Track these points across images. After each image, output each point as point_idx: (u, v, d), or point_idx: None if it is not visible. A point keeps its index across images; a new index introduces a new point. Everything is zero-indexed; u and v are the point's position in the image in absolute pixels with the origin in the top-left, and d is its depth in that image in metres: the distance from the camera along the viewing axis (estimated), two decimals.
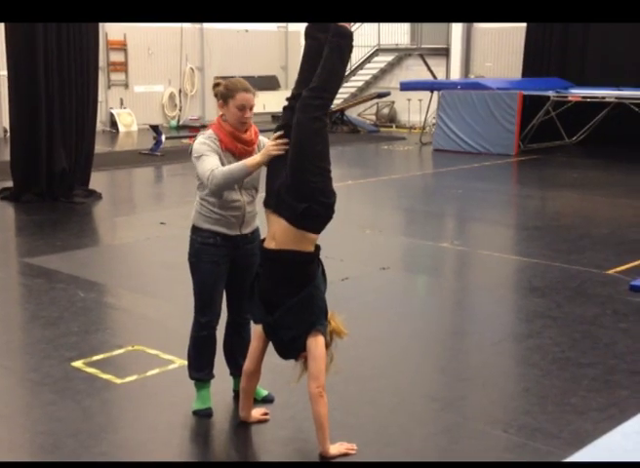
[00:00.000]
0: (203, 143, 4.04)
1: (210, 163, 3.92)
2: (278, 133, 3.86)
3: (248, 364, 4.04)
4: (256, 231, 4.28)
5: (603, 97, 15.27)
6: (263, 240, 3.92)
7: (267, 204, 3.86)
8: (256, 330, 4.00)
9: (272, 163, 3.89)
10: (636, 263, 7.34)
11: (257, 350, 4.00)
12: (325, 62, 3.79)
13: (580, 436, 4.04)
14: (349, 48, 3.87)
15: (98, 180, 11.30)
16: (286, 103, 3.92)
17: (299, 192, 3.74)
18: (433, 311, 6.36)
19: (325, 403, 3.77)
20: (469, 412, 4.39)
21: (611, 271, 7.09)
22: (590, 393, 4.61)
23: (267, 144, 3.92)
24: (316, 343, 3.81)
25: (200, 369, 4.30)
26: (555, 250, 7.98)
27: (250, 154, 4.11)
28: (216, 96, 4.12)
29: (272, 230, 3.84)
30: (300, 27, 23.53)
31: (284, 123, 3.85)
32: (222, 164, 4.00)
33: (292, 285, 3.80)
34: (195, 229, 4.18)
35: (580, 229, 9.00)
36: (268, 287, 3.86)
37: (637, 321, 5.87)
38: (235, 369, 4.42)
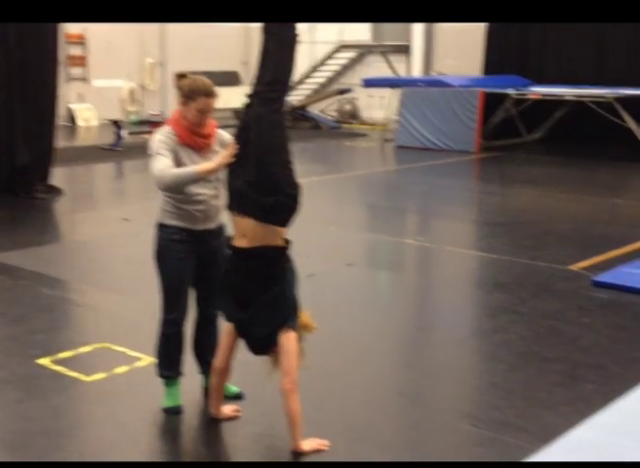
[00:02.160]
0: (159, 141, 4.03)
1: (162, 162, 3.93)
2: (234, 142, 3.88)
3: (218, 361, 4.03)
4: (221, 226, 4.26)
5: (562, 96, 15.48)
6: (230, 238, 3.90)
7: (231, 206, 3.86)
8: (225, 326, 3.99)
9: (231, 164, 3.89)
10: (599, 259, 7.46)
11: (227, 347, 3.99)
12: (275, 56, 3.83)
13: (549, 430, 4.08)
14: (294, 39, 3.89)
15: (58, 176, 11.13)
16: (247, 101, 3.92)
17: (264, 186, 3.75)
18: (399, 307, 6.40)
19: (297, 398, 3.77)
20: (438, 407, 4.43)
21: (574, 267, 7.20)
22: (557, 387, 4.67)
23: (221, 154, 3.91)
24: (288, 339, 3.82)
25: (169, 366, 4.28)
26: (519, 246, 8.08)
27: (208, 147, 4.13)
28: (179, 89, 4.09)
29: (240, 230, 3.83)
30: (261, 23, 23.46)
31: (244, 124, 3.87)
32: (178, 161, 4.00)
33: (264, 281, 3.80)
34: (161, 226, 4.16)
35: (543, 225, 9.12)
36: (240, 284, 3.85)
37: (600, 316, 5.97)
38: (204, 365, 4.40)
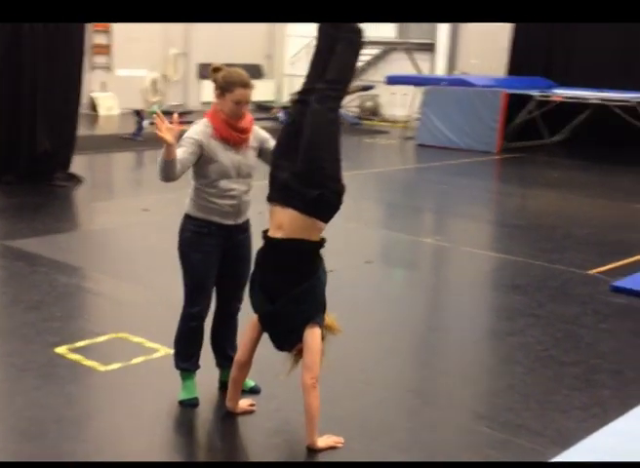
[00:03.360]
0: (191, 131, 4.03)
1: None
2: (175, 115, 3.93)
3: (240, 354, 4.03)
4: (247, 221, 4.27)
5: (586, 99, 15.37)
6: (266, 231, 3.90)
7: (272, 197, 3.87)
8: (251, 320, 3.98)
9: (275, 155, 3.95)
10: (617, 264, 7.41)
11: (250, 341, 3.99)
12: (340, 56, 3.92)
13: (564, 434, 4.07)
14: (361, 43, 4.00)
15: (78, 164, 11.15)
16: (295, 97, 4.03)
17: (311, 179, 3.78)
18: (416, 306, 6.38)
19: (317, 395, 3.77)
20: (453, 408, 4.41)
21: (592, 271, 7.15)
22: (573, 392, 4.65)
23: (167, 129, 3.78)
24: (313, 335, 3.82)
25: (187, 359, 4.28)
26: (537, 248, 8.03)
27: (245, 142, 4.11)
28: (214, 82, 4.09)
29: (278, 221, 3.83)
30: None
31: (293, 119, 3.95)
32: (211, 156, 3.99)
33: (296, 275, 3.80)
34: (189, 218, 4.14)
35: (562, 229, 9.07)
36: (271, 276, 3.85)
37: (618, 321, 5.94)
38: (223, 359, 4.40)
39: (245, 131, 4.13)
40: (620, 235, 8.79)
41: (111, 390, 4.43)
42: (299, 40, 22.38)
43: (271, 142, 4.19)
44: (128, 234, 8.06)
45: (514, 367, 5.01)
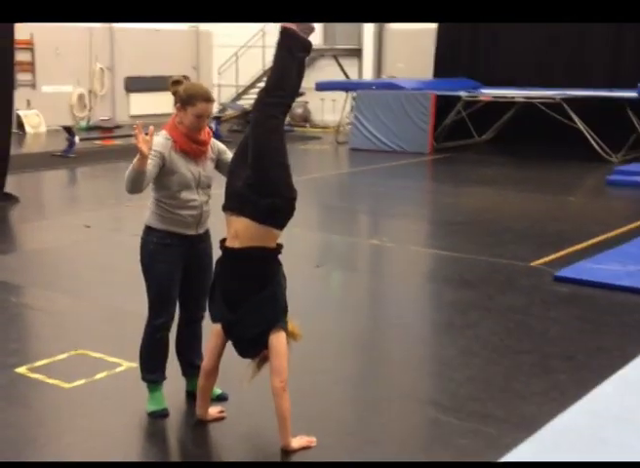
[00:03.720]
0: (155, 144, 4.03)
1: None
2: (151, 128, 3.91)
3: (206, 362, 4.06)
4: (208, 231, 4.31)
5: (512, 97, 15.79)
6: (223, 240, 3.94)
7: (228, 207, 3.90)
8: (214, 328, 4.01)
9: (231, 165, 4.01)
10: (557, 255, 7.66)
11: (215, 348, 4.02)
12: (276, 63, 3.95)
13: (528, 419, 4.21)
14: (298, 49, 3.94)
15: (11, 183, 10.95)
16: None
17: (261, 188, 3.82)
18: (372, 305, 6.50)
19: (287, 397, 3.82)
20: (419, 401, 4.52)
21: (534, 263, 7.38)
22: (531, 378, 4.81)
23: (141, 139, 3.79)
24: (278, 339, 3.87)
25: (153, 370, 4.28)
26: (479, 244, 8.24)
27: (204, 154, 4.16)
28: (174, 94, 4.11)
29: (233, 230, 3.87)
30: (210, 27, 23.41)
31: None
32: (172, 168, 4.02)
33: (255, 282, 3.85)
34: (150, 230, 4.15)
35: (501, 224, 9.32)
36: (231, 285, 3.89)
37: (564, 309, 6.15)
38: (189, 368, 4.42)
39: (204, 143, 4.17)
40: (557, 227, 9.08)
41: (79, 406, 4.39)
42: (225, 50, 22.37)
43: (228, 154, 4.26)
44: (73, 251, 7.96)
45: (472, 358, 5.15)
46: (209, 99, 4.07)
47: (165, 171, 4.04)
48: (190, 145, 4.09)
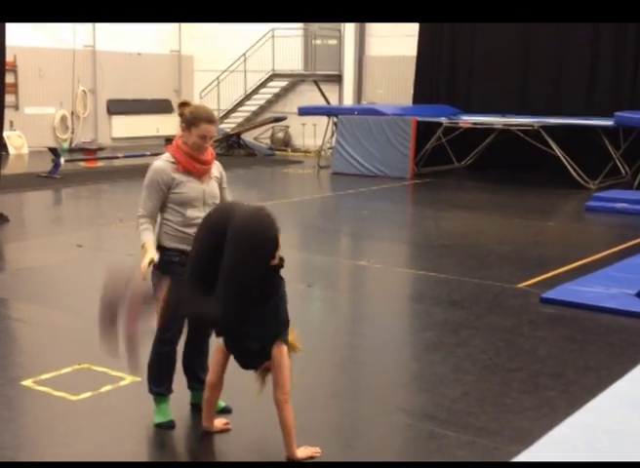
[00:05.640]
0: (154, 173, 4.24)
1: (146, 206, 4.25)
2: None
3: (211, 375, 4.20)
4: None
5: (492, 124, 16.14)
6: None
7: None
8: (218, 344, 4.16)
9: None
10: (542, 278, 7.89)
11: (219, 362, 4.16)
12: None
13: (521, 433, 4.39)
14: None
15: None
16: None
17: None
18: (364, 325, 6.65)
19: (291, 409, 3.97)
20: (417, 415, 4.68)
21: (520, 285, 7.60)
22: (522, 395, 4.99)
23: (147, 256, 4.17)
24: (280, 353, 4.01)
25: (161, 383, 4.41)
26: (465, 266, 8.45)
27: (207, 172, 4.33)
28: (180, 116, 4.29)
29: None
30: (192, 52, 23.65)
31: None
32: (176, 188, 4.23)
33: (257, 296, 3.97)
34: (160, 248, 4.31)
35: (484, 247, 9.54)
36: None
37: (551, 329, 6.36)
38: (194, 382, 4.56)
39: (207, 162, 4.36)
40: (539, 251, 9.32)
41: (87, 418, 4.50)
42: (207, 74, 22.60)
43: (227, 189, 4.51)
44: (69, 269, 8.05)
45: (464, 375, 5.33)
46: (212, 121, 4.26)
47: (170, 192, 4.22)
48: (193, 165, 4.27)
